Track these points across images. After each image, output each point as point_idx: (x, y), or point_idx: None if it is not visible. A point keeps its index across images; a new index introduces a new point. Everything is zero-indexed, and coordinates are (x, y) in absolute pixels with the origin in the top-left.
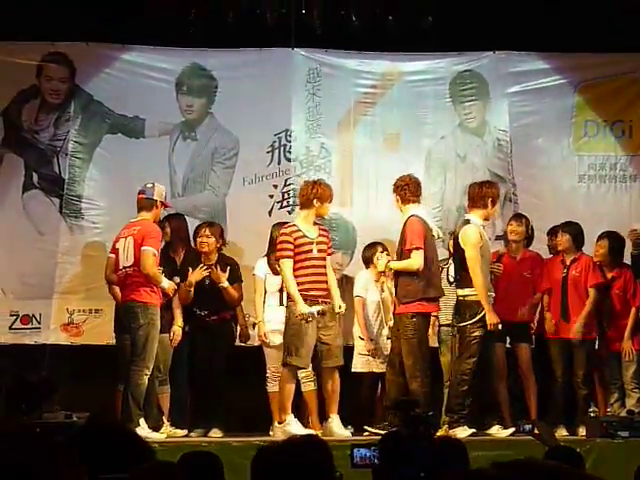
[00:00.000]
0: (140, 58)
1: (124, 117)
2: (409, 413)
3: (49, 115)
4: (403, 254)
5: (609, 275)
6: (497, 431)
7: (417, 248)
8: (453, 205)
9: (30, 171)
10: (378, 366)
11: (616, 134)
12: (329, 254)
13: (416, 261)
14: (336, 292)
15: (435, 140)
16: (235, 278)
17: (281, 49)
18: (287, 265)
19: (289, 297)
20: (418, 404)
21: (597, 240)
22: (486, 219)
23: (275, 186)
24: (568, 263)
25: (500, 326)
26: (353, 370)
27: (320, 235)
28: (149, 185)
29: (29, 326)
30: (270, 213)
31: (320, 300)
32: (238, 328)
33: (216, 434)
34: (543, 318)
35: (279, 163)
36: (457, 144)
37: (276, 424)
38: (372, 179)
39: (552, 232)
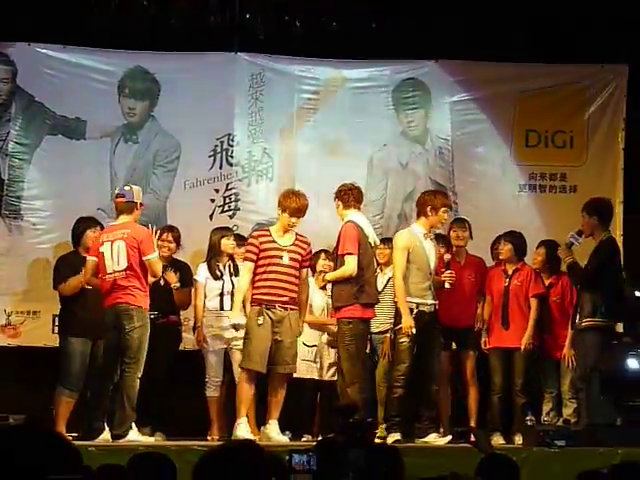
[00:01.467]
0: (82, 60)
1: (65, 118)
2: (348, 419)
3: None
4: (337, 259)
5: (547, 282)
6: (434, 439)
7: (349, 253)
8: (394, 212)
9: None
10: (319, 373)
11: (557, 144)
12: (304, 266)
13: (349, 267)
14: (304, 308)
15: (377, 147)
16: (186, 281)
17: (224, 53)
18: (246, 268)
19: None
20: (357, 410)
21: (536, 248)
22: (432, 227)
23: (217, 190)
24: (510, 273)
25: (414, 331)
26: (295, 376)
27: (295, 244)
28: (127, 188)
29: None
30: (211, 217)
31: (277, 305)
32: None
33: (160, 438)
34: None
35: (221, 167)
36: (399, 152)
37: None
38: (314, 185)
39: (496, 241)
